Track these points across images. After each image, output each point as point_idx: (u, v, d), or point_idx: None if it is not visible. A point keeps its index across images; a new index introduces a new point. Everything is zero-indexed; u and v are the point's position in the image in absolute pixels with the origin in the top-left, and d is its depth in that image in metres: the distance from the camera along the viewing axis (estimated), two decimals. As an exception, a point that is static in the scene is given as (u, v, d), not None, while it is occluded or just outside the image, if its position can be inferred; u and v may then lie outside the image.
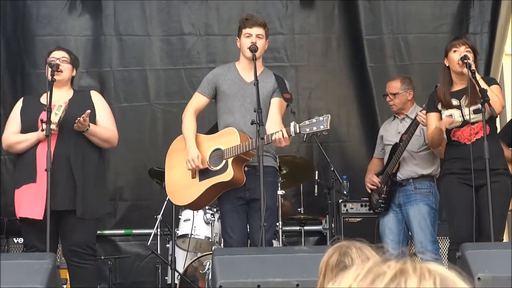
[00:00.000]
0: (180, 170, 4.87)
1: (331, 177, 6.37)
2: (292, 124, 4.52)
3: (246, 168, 4.72)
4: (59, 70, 4.80)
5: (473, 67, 4.75)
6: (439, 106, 4.96)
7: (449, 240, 5.23)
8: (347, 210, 6.40)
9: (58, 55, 4.90)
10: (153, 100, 7.14)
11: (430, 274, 1.07)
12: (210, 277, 5.14)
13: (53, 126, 4.55)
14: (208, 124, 5.51)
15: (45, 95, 4.75)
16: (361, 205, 6.39)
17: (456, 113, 4.89)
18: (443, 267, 1.10)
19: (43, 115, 4.58)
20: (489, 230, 4.57)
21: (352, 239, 2.26)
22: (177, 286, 5.83)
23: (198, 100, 4.95)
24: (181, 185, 4.87)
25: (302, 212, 6.54)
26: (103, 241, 6.84)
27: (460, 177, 4.82)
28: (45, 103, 4.65)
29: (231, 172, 4.63)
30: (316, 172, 6.54)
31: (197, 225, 5.89)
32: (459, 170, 4.83)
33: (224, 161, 4.69)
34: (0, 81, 6.91)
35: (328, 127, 4.43)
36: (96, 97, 4.97)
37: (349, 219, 6.38)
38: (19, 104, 4.97)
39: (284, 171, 6.11)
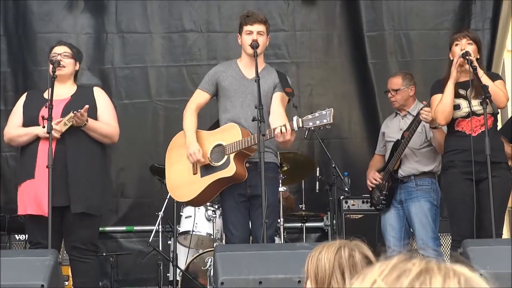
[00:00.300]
0: (181, 166, 4.87)
1: (332, 173, 6.37)
2: (295, 118, 4.51)
3: (247, 164, 4.72)
4: (60, 65, 4.81)
5: (474, 63, 4.75)
6: None
7: (451, 237, 5.23)
8: (348, 206, 6.40)
9: (60, 50, 4.90)
10: (154, 97, 7.15)
11: (455, 274, 1.08)
12: (211, 273, 5.16)
13: (56, 134, 4.56)
14: (210, 120, 5.51)
15: (48, 90, 4.75)
16: (363, 202, 6.39)
17: (463, 103, 4.88)
18: (466, 268, 1.11)
19: (45, 112, 4.58)
20: (488, 225, 4.57)
21: (350, 238, 2.25)
22: (179, 283, 5.83)
23: (199, 97, 4.95)
24: (182, 182, 4.87)
25: (303, 208, 6.55)
26: (105, 238, 6.85)
27: (462, 171, 4.82)
28: (47, 98, 4.65)
29: (233, 168, 4.63)
30: (318, 168, 6.54)
31: (198, 222, 5.90)
32: (462, 163, 4.82)
33: (226, 157, 4.69)
34: (1, 78, 6.92)
35: (332, 121, 4.42)
36: (99, 93, 4.96)
37: (350, 215, 6.38)
38: (22, 98, 4.98)
39: (286, 168, 6.10)
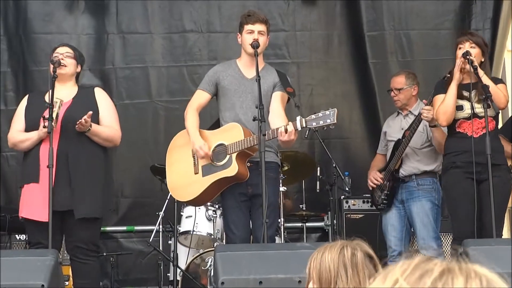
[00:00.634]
0: (182, 166, 4.87)
1: (333, 173, 6.37)
2: (298, 118, 4.50)
3: (248, 164, 4.72)
4: (62, 65, 4.80)
5: (475, 63, 4.75)
6: None
7: (451, 236, 5.23)
8: (349, 206, 6.39)
9: (62, 51, 4.90)
10: (155, 97, 7.15)
11: (476, 275, 1.08)
12: (212, 273, 5.16)
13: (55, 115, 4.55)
14: (210, 120, 5.51)
15: (49, 91, 4.75)
16: (363, 202, 6.39)
17: (466, 104, 4.89)
18: (486, 268, 1.11)
19: (46, 113, 4.57)
20: (489, 225, 4.58)
21: (352, 238, 2.25)
22: (179, 283, 5.83)
23: (200, 97, 4.94)
24: (183, 181, 4.87)
25: (304, 208, 6.55)
26: (105, 238, 6.85)
27: (464, 170, 4.82)
28: (48, 100, 4.65)
29: (235, 167, 4.63)
30: (318, 168, 6.54)
31: (199, 221, 5.90)
32: (464, 164, 4.83)
33: (228, 156, 4.68)
34: (1, 78, 6.92)
35: (335, 121, 4.41)
36: (100, 95, 4.94)
37: (351, 215, 6.37)
38: (24, 101, 4.98)
39: (286, 168, 6.10)
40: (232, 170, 4.64)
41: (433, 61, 6.91)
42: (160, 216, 6.14)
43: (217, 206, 5.89)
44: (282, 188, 5.75)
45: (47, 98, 4.76)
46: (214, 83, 4.90)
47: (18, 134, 4.81)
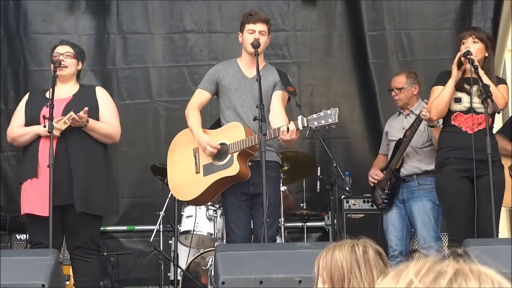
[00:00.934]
0: (183, 165, 4.87)
1: (333, 173, 6.37)
2: (299, 117, 4.50)
3: (249, 163, 4.72)
4: (62, 66, 4.81)
5: (475, 63, 4.75)
6: None
7: (447, 237, 5.22)
8: (349, 206, 6.40)
9: (62, 50, 4.91)
10: (155, 97, 7.16)
11: (487, 277, 1.10)
12: (212, 273, 5.16)
13: (56, 132, 4.57)
14: (210, 119, 5.51)
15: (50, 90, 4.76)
16: (364, 201, 6.39)
17: (465, 97, 4.88)
18: (493, 270, 1.12)
19: (46, 111, 4.58)
20: (484, 224, 4.58)
21: (358, 237, 2.25)
22: (180, 282, 5.84)
23: (200, 96, 4.94)
24: (185, 181, 4.87)
25: (304, 208, 6.55)
26: (106, 237, 6.85)
27: (457, 168, 4.81)
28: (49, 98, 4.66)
29: (237, 167, 4.63)
30: (319, 168, 6.54)
31: (199, 221, 5.90)
32: (457, 160, 4.82)
33: (229, 156, 4.69)
34: (2, 78, 6.93)
35: (337, 120, 4.40)
36: (101, 93, 4.96)
37: (352, 215, 6.37)
38: (24, 98, 5.01)
39: (286, 167, 6.10)
40: (234, 169, 4.65)
41: (434, 61, 6.91)
42: (161, 216, 6.14)
43: (217, 206, 5.89)
44: (282, 188, 5.75)
45: (47, 95, 4.77)
46: (215, 82, 4.91)
47: (18, 129, 4.83)
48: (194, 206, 5.86)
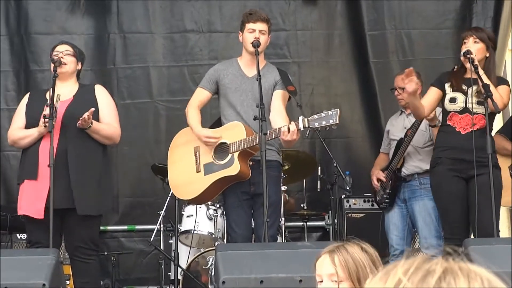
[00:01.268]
0: (184, 164, 4.88)
1: (334, 172, 6.37)
2: (300, 118, 4.50)
3: (250, 162, 4.72)
4: (62, 63, 4.81)
5: (475, 62, 4.75)
6: (447, 86, 4.95)
7: (443, 236, 5.22)
8: (350, 205, 6.40)
9: (61, 49, 4.91)
10: (156, 97, 7.16)
11: (476, 275, 1.09)
12: (213, 272, 5.15)
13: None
14: (210, 119, 5.51)
15: (50, 89, 4.76)
16: (364, 201, 6.39)
17: (460, 97, 4.88)
18: (482, 268, 1.11)
19: (47, 111, 4.58)
20: (479, 224, 4.58)
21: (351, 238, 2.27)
22: (180, 282, 5.84)
23: (200, 95, 4.95)
24: (185, 180, 4.87)
25: (305, 207, 6.55)
26: (106, 237, 6.86)
27: (449, 168, 4.82)
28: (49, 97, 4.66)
29: (237, 166, 4.63)
30: (319, 167, 6.54)
31: (200, 220, 5.90)
32: (449, 160, 4.83)
33: (230, 155, 4.69)
34: (3, 77, 6.93)
35: (337, 121, 4.40)
36: (100, 92, 4.95)
37: (352, 214, 6.38)
38: (25, 99, 5.00)
39: (287, 167, 6.10)
40: (234, 169, 4.65)
41: (434, 61, 6.91)
42: (161, 215, 6.15)
43: (218, 206, 5.89)
44: (283, 187, 5.75)
45: (47, 96, 4.77)
46: (215, 81, 4.91)
47: (18, 131, 4.82)
48: (195, 206, 5.86)
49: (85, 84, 5.18)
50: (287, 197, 6.01)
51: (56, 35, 6.88)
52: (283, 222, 5.78)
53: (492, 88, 4.70)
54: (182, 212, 6.03)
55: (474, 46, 4.85)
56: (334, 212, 6.49)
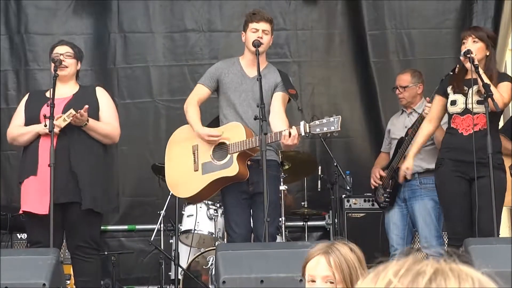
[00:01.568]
0: (182, 162, 4.87)
1: (334, 172, 6.38)
2: (301, 123, 4.51)
3: (249, 162, 4.73)
4: (62, 65, 4.82)
5: (476, 62, 4.75)
6: (449, 89, 4.96)
7: (446, 236, 5.22)
8: (350, 205, 6.40)
9: (61, 51, 4.92)
10: (156, 96, 7.16)
11: (467, 275, 1.08)
12: (213, 272, 5.15)
13: (56, 130, 4.57)
14: (210, 118, 5.51)
15: (50, 90, 4.77)
16: (364, 201, 6.39)
17: (460, 99, 4.89)
18: (472, 268, 1.11)
19: (46, 110, 4.58)
20: (482, 225, 4.57)
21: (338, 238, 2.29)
22: (181, 282, 5.84)
23: (200, 92, 4.93)
24: (182, 178, 4.87)
25: (305, 207, 6.55)
26: (107, 237, 6.86)
27: (452, 169, 4.82)
28: (49, 97, 4.67)
29: (236, 167, 4.63)
30: (319, 167, 6.54)
31: (200, 220, 5.90)
32: (451, 161, 4.84)
33: (229, 156, 4.69)
34: (3, 77, 6.94)
35: (339, 129, 4.43)
36: (101, 93, 4.97)
37: (352, 214, 6.38)
38: (25, 98, 5.02)
39: (287, 166, 6.10)
40: (233, 170, 4.65)
41: (434, 60, 6.91)
42: (161, 215, 6.15)
43: (218, 205, 5.89)
44: (283, 187, 5.75)
45: (48, 95, 4.78)
46: (216, 79, 4.90)
47: (17, 128, 4.84)
48: (195, 206, 5.87)
49: (85, 86, 5.20)
50: (285, 191, 6.01)
51: (56, 35, 6.88)
52: (283, 222, 5.78)
53: (492, 88, 4.70)
54: (183, 212, 6.03)
55: (473, 46, 4.85)
56: (335, 211, 6.49)
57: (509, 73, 7.04)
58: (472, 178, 4.69)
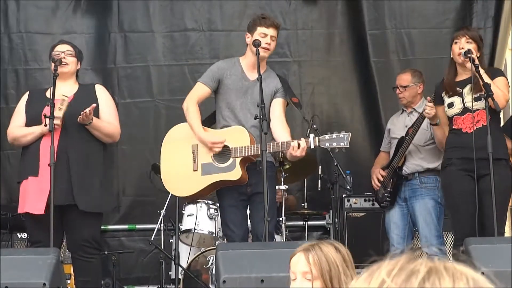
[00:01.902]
0: (180, 160, 4.85)
1: (334, 172, 6.38)
2: (311, 136, 4.54)
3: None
4: (63, 63, 4.82)
5: (476, 62, 4.75)
6: (443, 94, 4.97)
7: (453, 236, 5.23)
8: (350, 205, 6.40)
9: (62, 49, 4.92)
10: (156, 96, 7.16)
11: (462, 274, 1.08)
12: (213, 271, 5.16)
13: (57, 121, 4.57)
14: (205, 114, 5.50)
15: (50, 89, 4.76)
16: (365, 200, 6.39)
17: (457, 100, 4.90)
18: (469, 267, 1.11)
19: (47, 110, 4.58)
20: (489, 224, 4.57)
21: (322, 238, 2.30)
22: (181, 281, 5.84)
23: (201, 91, 4.90)
24: (180, 176, 4.85)
25: (305, 207, 6.55)
26: (107, 236, 6.87)
27: (460, 168, 4.82)
28: (49, 97, 4.67)
29: (239, 172, 4.63)
30: (320, 167, 6.54)
31: (200, 220, 5.90)
32: (459, 160, 4.83)
33: (231, 160, 4.68)
34: (2, 76, 6.94)
35: (348, 145, 4.48)
36: (101, 91, 4.97)
37: (353, 214, 6.38)
38: (24, 97, 5.00)
39: (287, 166, 6.09)
40: (236, 174, 4.65)
41: (434, 60, 6.91)
42: (162, 214, 6.15)
43: (218, 205, 5.89)
44: (283, 187, 5.76)
45: (48, 94, 4.78)
46: (217, 79, 4.88)
47: (19, 129, 4.82)
48: (195, 205, 5.87)
49: (85, 84, 5.19)
50: (286, 195, 6.01)
51: (56, 34, 6.89)
52: (283, 221, 5.79)
53: (493, 87, 4.71)
54: (183, 211, 6.03)
55: (467, 46, 4.86)
56: (335, 211, 6.50)
57: (509, 73, 7.05)
58: (479, 175, 4.68)
